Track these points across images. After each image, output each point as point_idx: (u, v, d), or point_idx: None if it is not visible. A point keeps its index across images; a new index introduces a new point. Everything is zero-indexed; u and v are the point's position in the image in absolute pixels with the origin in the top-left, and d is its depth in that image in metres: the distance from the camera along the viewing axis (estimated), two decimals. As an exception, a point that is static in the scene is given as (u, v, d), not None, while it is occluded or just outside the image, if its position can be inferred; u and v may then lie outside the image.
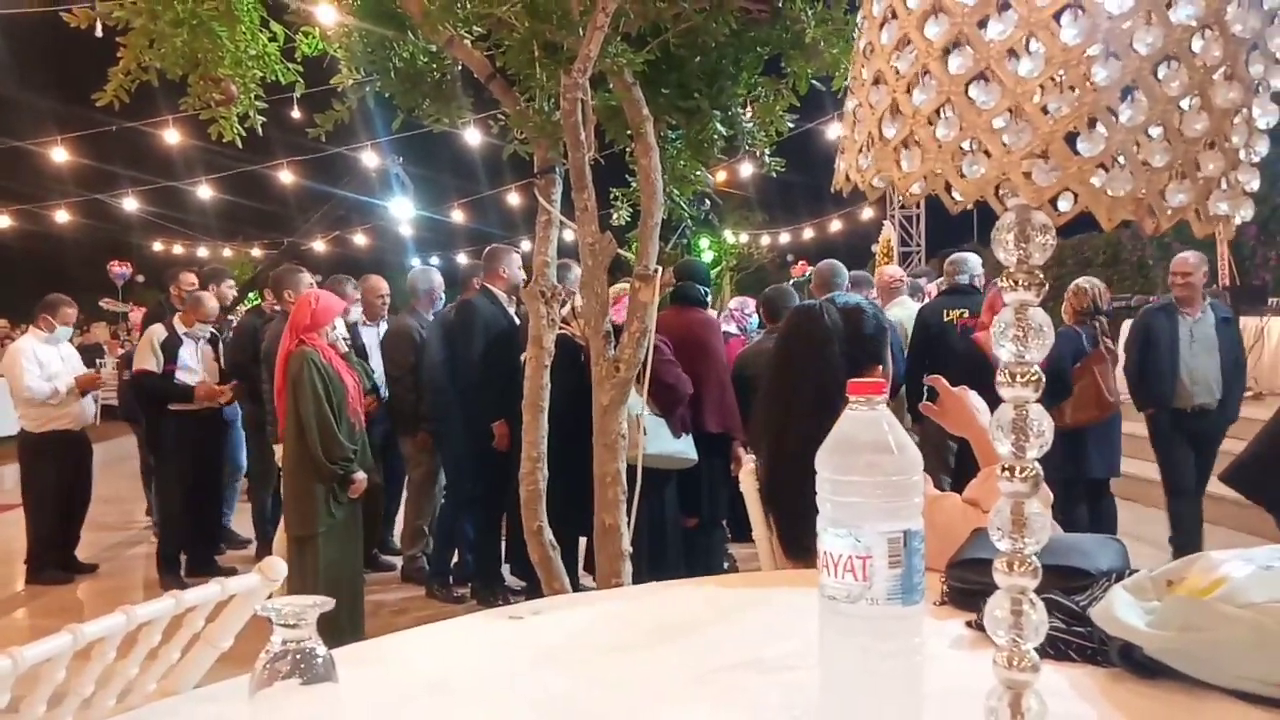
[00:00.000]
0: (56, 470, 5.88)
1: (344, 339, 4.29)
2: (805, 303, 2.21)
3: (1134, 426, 6.01)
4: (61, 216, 17.01)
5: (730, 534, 5.39)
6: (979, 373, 1.84)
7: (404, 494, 6.00)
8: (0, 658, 1.00)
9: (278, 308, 5.65)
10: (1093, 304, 5.37)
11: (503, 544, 5.24)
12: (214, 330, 6.02)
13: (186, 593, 1.23)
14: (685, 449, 4.45)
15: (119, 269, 18.58)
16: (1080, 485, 5.21)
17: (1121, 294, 10.74)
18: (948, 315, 5.45)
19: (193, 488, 5.79)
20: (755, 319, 6.68)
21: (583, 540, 4.45)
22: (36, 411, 5.82)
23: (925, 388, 1.87)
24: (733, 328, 6.62)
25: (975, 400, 1.79)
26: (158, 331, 5.83)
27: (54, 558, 5.92)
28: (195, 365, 5.80)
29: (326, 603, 0.89)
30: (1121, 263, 12.27)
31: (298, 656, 0.87)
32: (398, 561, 5.88)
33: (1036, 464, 0.75)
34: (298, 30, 3.40)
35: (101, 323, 17.10)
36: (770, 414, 1.93)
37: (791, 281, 8.70)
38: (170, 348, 5.73)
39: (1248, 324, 7.59)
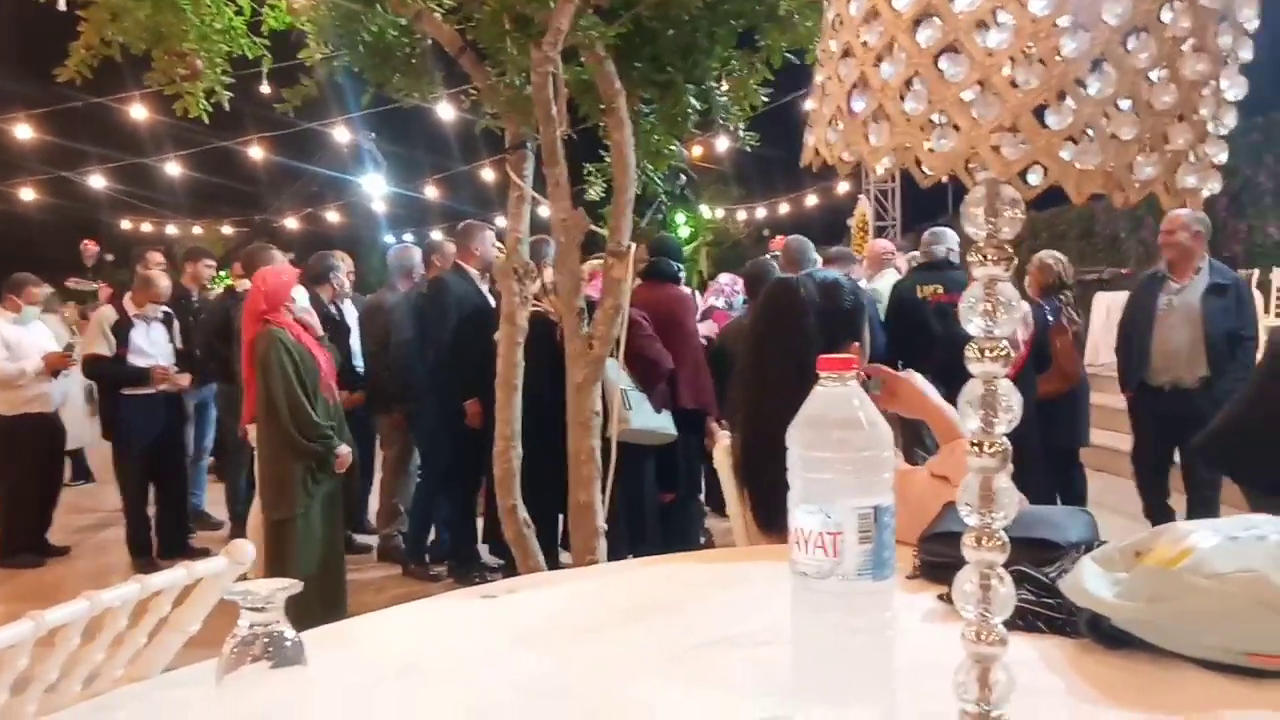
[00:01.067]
0: (29, 453, 5.82)
1: (306, 310, 4.21)
2: (782, 276, 2.19)
3: (1103, 398, 6.08)
4: (27, 194, 16.70)
5: (708, 508, 5.40)
6: (954, 348, 1.84)
7: (377, 473, 5.98)
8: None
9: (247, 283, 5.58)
10: (1058, 279, 5.42)
11: (480, 522, 5.24)
12: (167, 311, 5.87)
13: (152, 577, 1.21)
14: (666, 424, 4.46)
15: (93, 248, 18.27)
16: (1048, 456, 5.24)
17: (1094, 267, 10.85)
18: (921, 292, 5.44)
19: (153, 471, 5.71)
20: (743, 295, 6.62)
21: (562, 517, 4.46)
22: (9, 394, 5.74)
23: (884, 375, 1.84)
24: (720, 302, 6.56)
25: (919, 381, 1.78)
26: (107, 314, 5.69)
27: (26, 540, 5.86)
28: (148, 348, 5.64)
29: (294, 585, 0.88)
30: (1094, 236, 12.34)
31: (266, 640, 0.87)
32: (372, 541, 5.87)
33: (1005, 439, 0.74)
34: (264, 4, 3.34)
35: (71, 303, 16.84)
36: (746, 388, 1.92)
37: (770, 255, 8.64)
38: (121, 330, 5.59)
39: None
